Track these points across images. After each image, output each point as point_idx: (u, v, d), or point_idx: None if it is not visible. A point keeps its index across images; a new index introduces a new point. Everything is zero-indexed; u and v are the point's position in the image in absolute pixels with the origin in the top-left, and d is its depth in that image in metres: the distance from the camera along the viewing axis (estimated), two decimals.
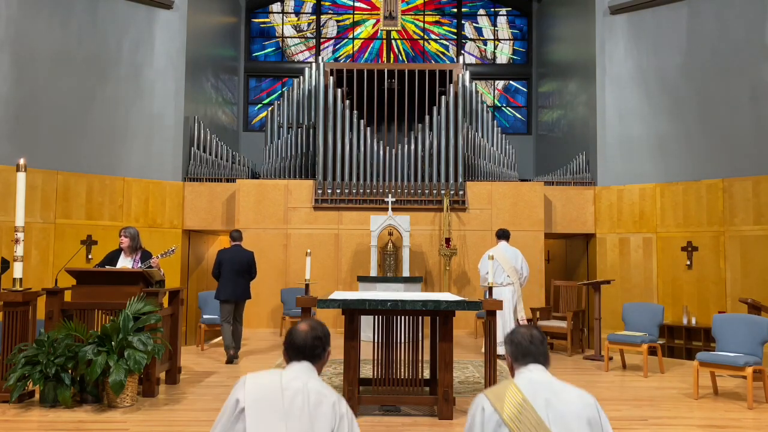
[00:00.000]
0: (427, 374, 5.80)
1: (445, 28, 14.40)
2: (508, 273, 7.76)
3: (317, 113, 10.62)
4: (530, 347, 2.42)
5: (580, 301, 9.27)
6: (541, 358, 2.43)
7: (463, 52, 14.22)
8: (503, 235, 8.15)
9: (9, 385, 5.12)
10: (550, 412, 2.25)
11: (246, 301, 7.88)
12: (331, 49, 14.35)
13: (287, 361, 2.39)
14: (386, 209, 9.82)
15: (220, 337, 8.73)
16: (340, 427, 2.20)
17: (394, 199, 9.95)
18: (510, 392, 2.33)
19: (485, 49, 14.40)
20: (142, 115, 10.06)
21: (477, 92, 11.22)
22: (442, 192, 10.23)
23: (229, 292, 7.56)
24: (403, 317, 5.28)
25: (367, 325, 6.24)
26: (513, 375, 2.43)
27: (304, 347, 2.35)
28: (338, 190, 10.27)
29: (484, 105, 11.26)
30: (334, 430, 2.19)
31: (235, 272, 7.57)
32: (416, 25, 14.39)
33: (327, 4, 14.41)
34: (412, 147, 10.52)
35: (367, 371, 6.04)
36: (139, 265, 6.14)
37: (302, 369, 2.34)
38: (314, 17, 14.38)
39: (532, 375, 2.38)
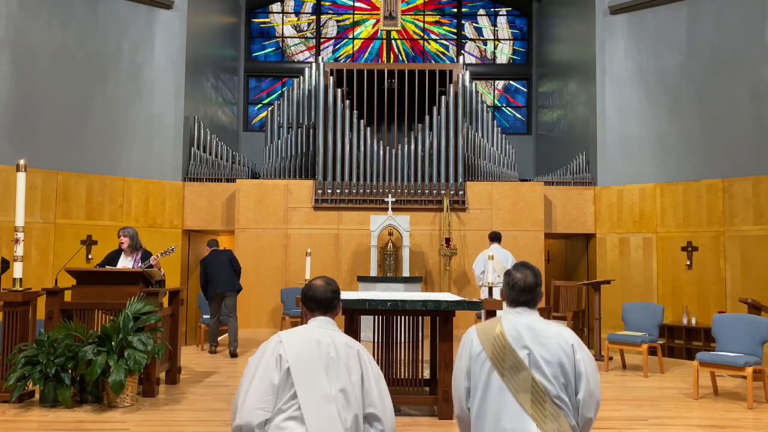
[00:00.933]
0: (427, 374, 5.80)
1: (445, 28, 14.40)
2: (498, 273, 7.95)
3: (317, 113, 10.62)
4: (521, 296, 2.60)
5: (580, 301, 9.28)
6: (530, 303, 2.62)
7: (463, 52, 14.23)
8: (495, 237, 8.69)
9: (9, 385, 5.12)
10: (529, 353, 2.47)
11: (237, 295, 8.48)
12: (331, 49, 14.35)
13: (309, 313, 2.65)
14: (386, 209, 9.82)
15: (225, 335, 8.78)
16: (366, 373, 2.51)
17: (394, 199, 9.95)
18: (496, 332, 2.55)
19: (485, 49, 14.40)
20: (142, 115, 10.05)
21: (477, 92, 11.22)
22: (442, 192, 10.23)
23: (215, 289, 8.29)
24: (403, 317, 5.28)
25: (367, 325, 6.24)
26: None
27: (323, 300, 2.63)
28: (338, 190, 10.27)
29: (484, 105, 11.26)
30: (362, 375, 2.49)
31: (218, 271, 8.30)
32: (416, 25, 14.40)
33: (327, 4, 14.41)
34: (412, 147, 10.52)
35: None
36: (139, 265, 6.14)
37: (326, 323, 2.61)
38: (314, 17, 14.38)
39: (519, 317, 2.57)
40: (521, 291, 2.61)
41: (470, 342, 2.58)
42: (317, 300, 2.63)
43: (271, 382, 2.40)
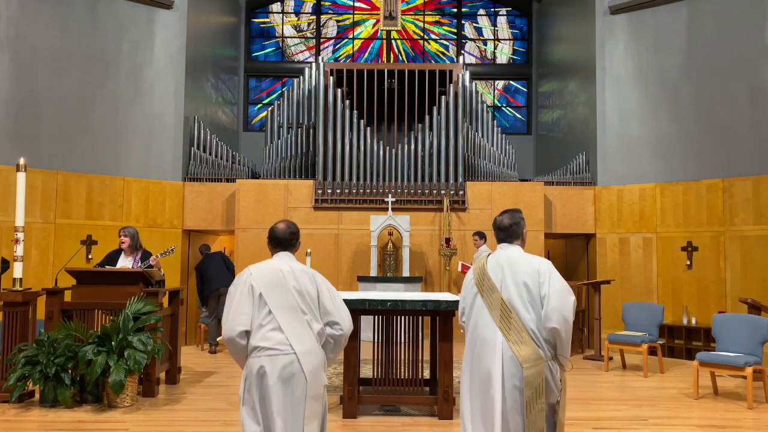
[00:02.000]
0: (427, 374, 5.80)
1: (445, 28, 14.40)
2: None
3: (317, 113, 10.62)
4: (499, 233, 3.36)
5: (580, 301, 9.28)
6: (508, 239, 3.34)
7: (463, 52, 14.23)
8: (484, 236, 8.85)
9: (9, 385, 5.12)
10: (503, 279, 3.19)
11: None
12: (331, 49, 14.35)
13: (273, 250, 3.29)
14: (386, 209, 9.82)
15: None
16: (321, 290, 3.18)
17: (394, 199, 9.95)
18: (481, 263, 3.32)
19: (485, 49, 14.40)
20: (142, 115, 10.05)
21: (477, 92, 11.22)
22: (442, 192, 10.23)
23: (210, 287, 8.71)
24: (403, 317, 5.28)
25: (367, 325, 6.24)
26: None
27: (283, 239, 3.27)
28: (338, 190, 10.27)
29: (484, 105, 11.26)
30: (318, 292, 3.16)
31: (213, 270, 8.73)
32: (416, 25, 14.40)
33: (327, 4, 14.41)
34: (412, 147, 10.52)
35: (367, 371, 6.03)
36: (139, 264, 6.14)
37: (286, 256, 3.26)
38: (314, 17, 14.38)
39: (500, 252, 3.32)
40: (498, 229, 3.37)
41: (469, 273, 3.39)
42: (278, 239, 3.28)
43: (248, 305, 3.05)
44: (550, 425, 3.18)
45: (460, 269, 9.57)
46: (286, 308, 3.04)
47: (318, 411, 3.08)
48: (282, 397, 2.96)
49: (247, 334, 3.03)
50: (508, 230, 3.32)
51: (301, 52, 14.37)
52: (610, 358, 7.64)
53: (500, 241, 3.35)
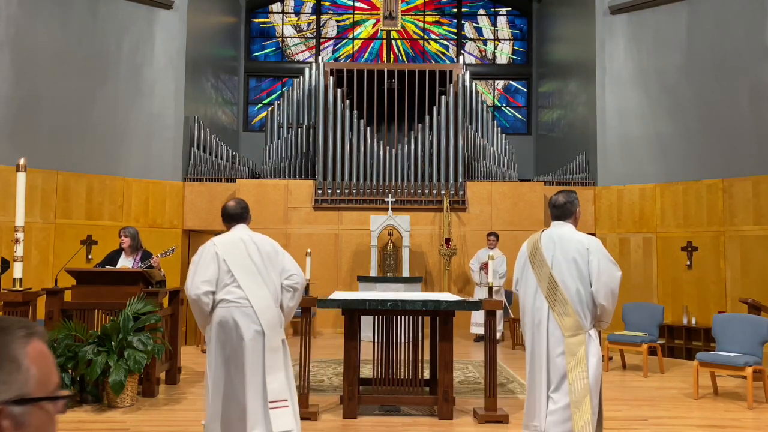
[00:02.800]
0: (427, 374, 5.80)
1: (445, 28, 14.40)
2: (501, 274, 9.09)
3: (317, 113, 10.62)
4: (553, 211, 3.69)
5: None
6: (561, 217, 3.65)
7: (463, 52, 14.22)
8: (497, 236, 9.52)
9: None
10: (554, 254, 3.50)
11: None
12: (331, 49, 14.35)
13: (228, 225, 3.72)
14: (386, 209, 9.82)
15: None
16: (276, 252, 3.65)
17: (394, 199, 9.94)
18: (535, 238, 3.69)
19: (485, 49, 14.40)
20: (142, 115, 10.05)
21: (477, 92, 11.22)
22: (442, 192, 10.23)
23: None
24: (403, 317, 5.28)
25: (367, 325, 6.24)
26: None
27: (235, 214, 3.72)
28: (338, 190, 10.27)
29: (484, 105, 11.26)
30: (276, 254, 3.63)
31: None
32: (416, 25, 14.39)
33: (327, 4, 14.40)
34: (412, 147, 10.52)
35: (367, 371, 6.04)
36: (140, 264, 6.14)
37: (242, 228, 3.71)
38: (314, 17, 14.38)
39: (552, 229, 3.64)
40: (553, 207, 3.68)
41: (523, 246, 3.76)
42: (231, 215, 3.73)
43: (212, 269, 3.48)
44: (596, 394, 3.53)
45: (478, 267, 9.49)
46: (246, 271, 3.51)
47: (279, 362, 3.44)
48: (246, 346, 3.38)
49: (209, 294, 3.47)
50: (562, 208, 3.62)
51: (301, 52, 14.36)
52: (610, 358, 7.64)
53: (554, 218, 3.66)
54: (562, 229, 3.59)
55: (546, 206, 10.34)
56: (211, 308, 3.48)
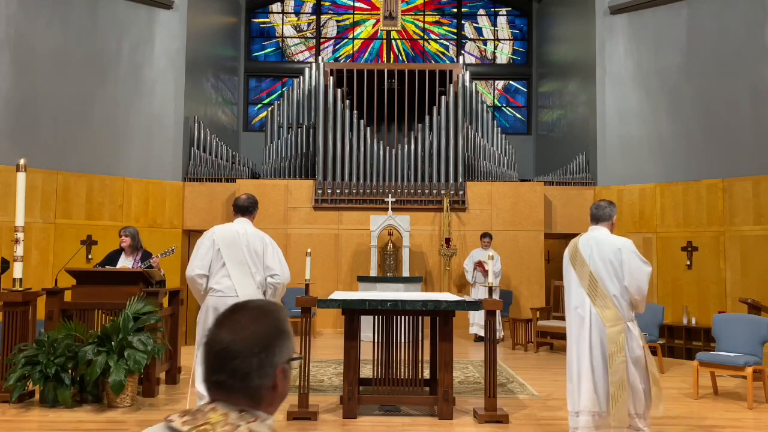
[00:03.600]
0: (427, 374, 5.80)
1: (445, 28, 14.40)
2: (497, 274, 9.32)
3: (317, 113, 10.61)
4: (595, 211, 4.15)
5: None
6: (598, 222, 4.12)
7: (463, 52, 14.22)
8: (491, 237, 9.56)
9: (9, 385, 5.12)
10: (591, 255, 3.97)
11: None
12: (331, 49, 14.35)
13: (234, 215, 4.33)
14: (386, 209, 9.81)
15: None
16: (266, 249, 4.19)
17: (394, 199, 9.94)
18: (575, 241, 4.11)
19: (485, 49, 14.40)
20: (142, 115, 10.05)
21: (477, 92, 11.22)
22: (442, 192, 10.23)
23: None
24: (403, 317, 5.28)
25: (367, 325, 6.24)
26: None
27: (243, 206, 4.34)
28: (338, 190, 10.27)
29: (484, 105, 11.26)
30: (264, 250, 4.17)
31: None
32: (416, 25, 14.39)
33: (327, 4, 14.40)
34: (412, 147, 10.52)
35: (367, 371, 6.03)
36: (140, 264, 6.14)
37: (243, 221, 4.30)
38: (314, 17, 14.38)
39: (591, 232, 4.09)
40: (595, 209, 4.16)
41: (566, 249, 4.15)
42: (239, 206, 4.36)
43: (208, 256, 4.16)
44: (644, 378, 3.89)
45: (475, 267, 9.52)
46: (236, 262, 4.12)
47: None
48: None
49: (203, 276, 4.18)
50: (604, 210, 4.13)
51: (301, 52, 14.36)
52: None
53: (594, 220, 4.15)
54: (598, 232, 4.09)
55: (546, 206, 10.35)
56: (204, 290, 4.23)
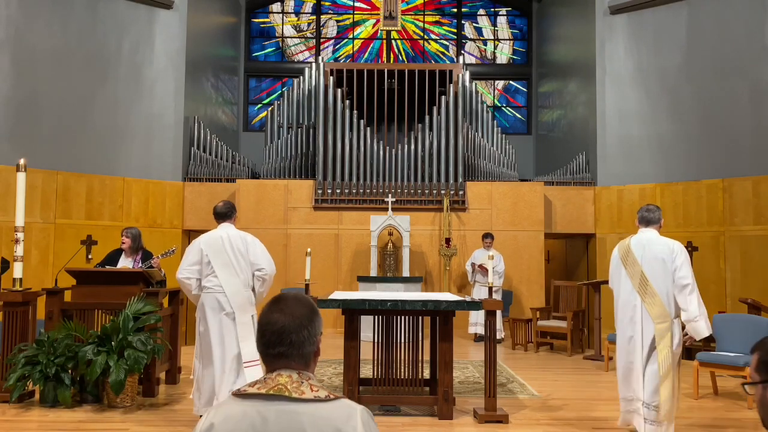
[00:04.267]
0: (427, 374, 5.80)
1: (445, 28, 14.40)
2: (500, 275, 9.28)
3: (317, 113, 10.61)
4: (646, 214, 4.46)
5: (580, 301, 9.28)
6: (648, 224, 4.44)
7: (463, 52, 14.22)
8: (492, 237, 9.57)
9: (9, 385, 5.12)
10: (643, 255, 4.29)
11: None
12: (331, 49, 14.35)
13: (218, 222, 4.82)
14: (386, 209, 9.81)
15: None
16: (249, 249, 4.69)
17: (394, 199, 9.94)
18: (626, 242, 4.41)
19: (485, 49, 14.40)
20: (142, 115, 10.05)
21: (477, 92, 11.22)
22: (442, 192, 10.23)
23: None
24: (403, 317, 5.28)
25: (367, 325, 6.23)
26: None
27: (222, 213, 4.87)
28: (338, 190, 10.27)
29: (484, 105, 11.26)
30: (248, 249, 4.68)
31: None
32: (416, 25, 14.40)
33: (327, 4, 14.41)
34: (412, 147, 10.52)
35: (367, 371, 6.03)
36: (140, 265, 6.14)
37: (225, 226, 4.81)
38: (314, 17, 14.38)
39: (640, 234, 4.43)
40: (646, 211, 4.47)
41: (614, 250, 4.50)
42: (218, 213, 4.87)
43: (196, 260, 4.68)
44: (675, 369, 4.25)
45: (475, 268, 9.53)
46: (222, 264, 4.62)
47: (249, 332, 4.54)
48: (223, 323, 4.56)
49: (189, 278, 4.66)
50: (654, 213, 4.45)
51: (301, 52, 14.37)
52: (610, 358, 7.62)
53: (645, 223, 4.47)
54: (649, 234, 4.41)
55: (546, 206, 10.35)
56: (197, 290, 4.70)
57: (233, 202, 10.74)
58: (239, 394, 1.54)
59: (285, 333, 1.56)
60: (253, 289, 4.71)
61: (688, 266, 4.24)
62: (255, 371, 4.48)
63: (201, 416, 3.98)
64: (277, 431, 1.47)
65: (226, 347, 4.52)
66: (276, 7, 14.36)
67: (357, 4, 14.39)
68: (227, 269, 4.60)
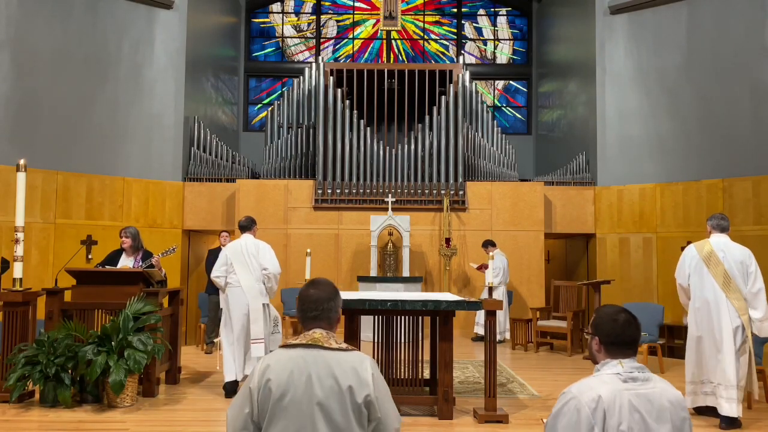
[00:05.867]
0: (427, 374, 5.80)
1: (445, 28, 14.40)
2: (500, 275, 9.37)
3: (317, 113, 10.61)
4: (722, 222, 5.27)
5: (580, 301, 9.28)
6: (724, 230, 5.23)
7: (463, 52, 14.23)
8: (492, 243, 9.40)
9: (9, 385, 5.12)
10: (725, 257, 5.06)
11: None
12: (331, 49, 14.36)
13: (240, 232, 6.09)
14: (386, 209, 9.82)
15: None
16: (260, 253, 5.88)
17: (394, 199, 9.94)
18: (707, 245, 5.18)
19: (485, 49, 14.41)
20: (142, 115, 10.05)
21: (477, 92, 11.22)
22: (442, 192, 10.23)
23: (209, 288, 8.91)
24: (403, 317, 5.28)
25: (367, 325, 6.24)
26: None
27: (244, 226, 6.09)
28: (338, 190, 10.27)
29: (484, 105, 11.26)
30: (260, 253, 5.87)
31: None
32: (416, 25, 14.40)
33: (327, 4, 14.41)
34: (412, 147, 10.52)
35: None
36: (140, 264, 6.14)
37: (245, 236, 6.03)
38: (314, 17, 14.38)
39: (717, 238, 5.20)
40: (722, 220, 5.27)
41: (690, 251, 5.26)
42: (241, 226, 6.12)
43: (223, 263, 5.91)
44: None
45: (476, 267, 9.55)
46: (240, 265, 5.88)
47: (259, 316, 5.81)
48: (240, 309, 5.84)
49: (219, 277, 5.92)
50: (725, 224, 5.26)
51: (301, 52, 14.37)
52: None
53: (720, 229, 5.25)
54: (724, 239, 5.19)
55: (546, 206, 10.35)
56: (224, 284, 5.92)
57: (234, 202, 10.85)
58: (286, 345, 2.15)
59: (319, 302, 2.19)
60: (264, 284, 5.92)
61: (759, 270, 5.07)
62: (259, 347, 5.71)
63: (228, 381, 5.72)
64: (313, 367, 2.06)
65: (243, 327, 5.80)
66: (276, 7, 14.37)
67: (357, 4, 14.39)
68: (243, 269, 5.86)
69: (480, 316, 9.30)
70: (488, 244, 9.28)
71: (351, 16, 14.42)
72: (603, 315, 2.21)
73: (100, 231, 9.37)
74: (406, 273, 9.66)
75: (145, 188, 9.96)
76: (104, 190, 9.57)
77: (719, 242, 5.16)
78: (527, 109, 14.21)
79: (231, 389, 5.67)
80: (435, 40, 14.35)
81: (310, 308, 2.19)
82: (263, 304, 5.83)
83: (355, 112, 10.55)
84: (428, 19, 14.40)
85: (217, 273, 5.94)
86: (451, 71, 11.01)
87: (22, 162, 5.59)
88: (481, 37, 14.41)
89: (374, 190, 10.31)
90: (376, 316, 5.27)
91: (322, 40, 14.34)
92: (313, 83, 11.00)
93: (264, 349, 5.69)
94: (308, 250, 6.21)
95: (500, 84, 14.36)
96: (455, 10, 14.36)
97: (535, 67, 13.98)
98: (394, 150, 10.52)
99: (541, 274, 10.18)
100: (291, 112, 11.13)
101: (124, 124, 9.87)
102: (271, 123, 11.11)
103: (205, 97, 11.53)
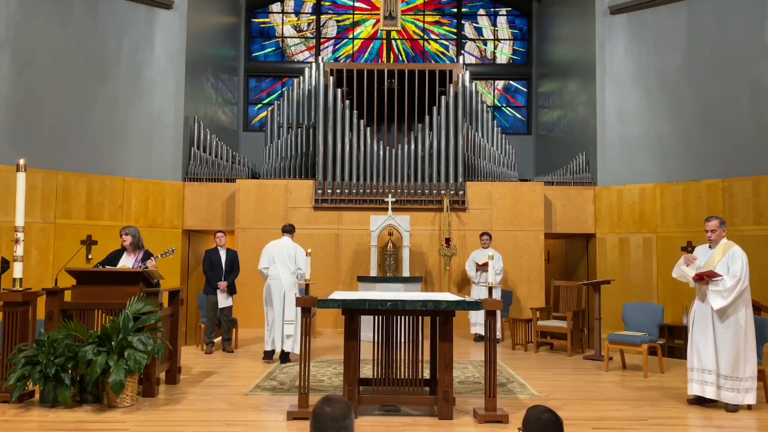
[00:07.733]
0: (427, 374, 5.80)
1: (445, 28, 14.41)
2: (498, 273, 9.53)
3: (317, 113, 10.62)
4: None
5: (580, 301, 9.27)
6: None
7: (463, 52, 14.23)
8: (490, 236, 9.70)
9: (9, 385, 5.12)
10: None
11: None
12: (331, 49, 14.36)
13: (283, 234, 7.88)
14: (386, 209, 9.82)
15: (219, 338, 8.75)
16: (296, 254, 7.68)
17: (394, 199, 9.94)
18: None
19: (485, 49, 14.41)
20: (142, 115, 10.05)
21: (477, 92, 11.22)
22: (442, 192, 10.23)
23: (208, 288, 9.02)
24: (403, 317, 5.28)
25: (367, 325, 6.24)
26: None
27: (287, 230, 7.94)
28: (338, 190, 10.27)
29: (484, 105, 11.26)
30: (296, 255, 7.67)
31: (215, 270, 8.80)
32: (416, 25, 14.40)
33: (327, 4, 14.41)
34: (412, 147, 10.52)
35: (367, 371, 6.03)
36: (140, 264, 6.14)
37: (285, 238, 7.81)
38: (314, 17, 14.38)
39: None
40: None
41: (741, 251, 5.95)
42: (285, 230, 7.89)
43: (267, 259, 7.68)
44: None
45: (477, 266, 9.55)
46: (280, 261, 7.56)
47: (291, 302, 7.36)
48: (279, 296, 7.55)
49: (264, 269, 7.61)
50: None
51: (301, 52, 14.37)
52: (610, 358, 7.63)
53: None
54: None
55: (546, 206, 10.35)
56: (266, 276, 7.60)
57: (234, 202, 10.86)
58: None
59: (335, 420, 2.26)
60: (297, 278, 7.56)
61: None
62: (290, 327, 7.42)
63: (266, 350, 7.58)
64: None
65: (281, 310, 7.50)
66: (276, 7, 14.37)
67: (357, 4, 14.39)
68: (282, 265, 7.56)
69: (473, 316, 9.31)
70: (484, 234, 9.55)
71: (351, 16, 14.42)
72: (530, 415, 2.39)
73: (100, 231, 9.37)
74: (406, 273, 9.66)
75: (145, 188, 9.96)
76: (104, 190, 9.58)
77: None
78: (527, 109, 14.21)
79: (269, 356, 7.61)
80: (435, 40, 14.35)
81: (327, 426, 2.28)
82: (294, 294, 7.42)
83: (355, 112, 10.56)
84: (428, 19, 14.40)
85: (264, 265, 7.65)
86: (451, 71, 11.01)
87: (22, 162, 5.60)
88: (481, 37, 14.41)
89: (374, 190, 10.31)
90: (376, 316, 5.27)
91: (322, 40, 14.35)
92: (313, 83, 11.00)
93: (294, 329, 7.38)
94: (308, 250, 6.22)
95: (500, 84, 14.36)
96: (455, 10, 14.36)
97: (535, 67, 13.99)
98: (394, 150, 10.52)
99: (541, 274, 10.18)
100: (291, 112, 11.13)
101: (123, 124, 9.87)
102: (271, 123, 11.12)
103: (205, 97, 11.53)
